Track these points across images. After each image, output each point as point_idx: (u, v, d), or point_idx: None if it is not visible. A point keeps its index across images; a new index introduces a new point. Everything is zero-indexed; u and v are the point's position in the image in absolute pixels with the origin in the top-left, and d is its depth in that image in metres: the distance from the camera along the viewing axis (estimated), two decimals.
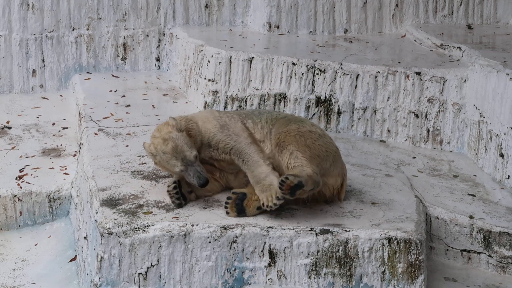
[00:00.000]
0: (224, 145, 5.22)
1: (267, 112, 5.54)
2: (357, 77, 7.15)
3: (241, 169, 5.25)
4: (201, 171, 5.03)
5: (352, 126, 7.21)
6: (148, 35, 8.51)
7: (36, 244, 6.01)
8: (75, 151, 6.78)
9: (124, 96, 7.64)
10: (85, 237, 5.35)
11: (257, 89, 7.33)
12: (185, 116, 5.40)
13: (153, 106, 7.40)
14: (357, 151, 6.72)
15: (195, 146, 5.15)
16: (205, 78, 7.48)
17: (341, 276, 5.04)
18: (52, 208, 6.23)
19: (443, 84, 7.02)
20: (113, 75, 8.33)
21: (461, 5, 8.86)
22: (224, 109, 7.31)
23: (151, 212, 5.04)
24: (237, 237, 4.95)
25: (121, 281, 4.90)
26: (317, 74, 7.22)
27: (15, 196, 6.14)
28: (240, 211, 5.09)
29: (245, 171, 5.20)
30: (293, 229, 5.00)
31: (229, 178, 5.41)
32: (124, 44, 8.47)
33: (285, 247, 4.99)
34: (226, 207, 5.10)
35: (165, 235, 4.89)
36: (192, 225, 4.93)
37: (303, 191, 4.92)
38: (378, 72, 7.13)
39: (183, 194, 5.16)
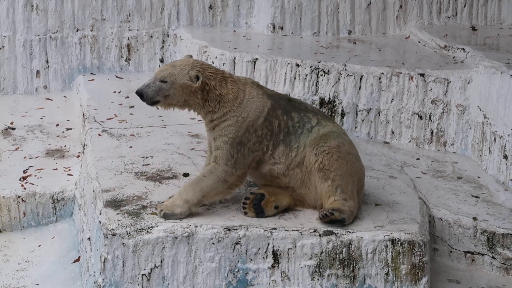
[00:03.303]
0: (218, 147, 5.07)
1: (308, 130, 5.15)
2: (361, 79, 7.15)
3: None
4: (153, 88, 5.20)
5: (356, 127, 7.20)
6: (152, 36, 8.52)
7: (39, 245, 6.01)
8: (79, 152, 6.79)
9: (128, 97, 7.64)
10: (89, 238, 5.36)
11: None
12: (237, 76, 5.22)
13: (157, 107, 7.38)
14: (361, 152, 6.68)
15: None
16: None
17: (345, 277, 5.03)
18: (55, 209, 6.23)
19: (447, 86, 7.01)
20: (117, 76, 8.34)
21: (465, 6, 8.85)
22: None
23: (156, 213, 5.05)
24: (240, 238, 4.95)
25: (124, 282, 4.91)
26: (321, 75, 7.22)
27: (19, 197, 6.14)
28: (259, 212, 5.09)
29: (207, 163, 5.15)
30: (297, 230, 5.00)
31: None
32: (128, 45, 8.47)
33: (288, 249, 4.99)
34: (244, 208, 5.10)
35: (169, 236, 4.89)
36: (196, 226, 4.93)
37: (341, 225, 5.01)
38: (382, 73, 7.12)
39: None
